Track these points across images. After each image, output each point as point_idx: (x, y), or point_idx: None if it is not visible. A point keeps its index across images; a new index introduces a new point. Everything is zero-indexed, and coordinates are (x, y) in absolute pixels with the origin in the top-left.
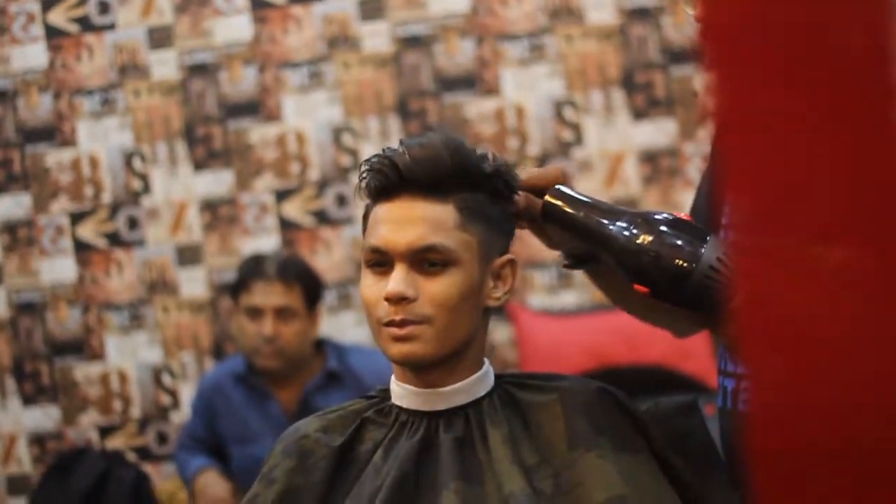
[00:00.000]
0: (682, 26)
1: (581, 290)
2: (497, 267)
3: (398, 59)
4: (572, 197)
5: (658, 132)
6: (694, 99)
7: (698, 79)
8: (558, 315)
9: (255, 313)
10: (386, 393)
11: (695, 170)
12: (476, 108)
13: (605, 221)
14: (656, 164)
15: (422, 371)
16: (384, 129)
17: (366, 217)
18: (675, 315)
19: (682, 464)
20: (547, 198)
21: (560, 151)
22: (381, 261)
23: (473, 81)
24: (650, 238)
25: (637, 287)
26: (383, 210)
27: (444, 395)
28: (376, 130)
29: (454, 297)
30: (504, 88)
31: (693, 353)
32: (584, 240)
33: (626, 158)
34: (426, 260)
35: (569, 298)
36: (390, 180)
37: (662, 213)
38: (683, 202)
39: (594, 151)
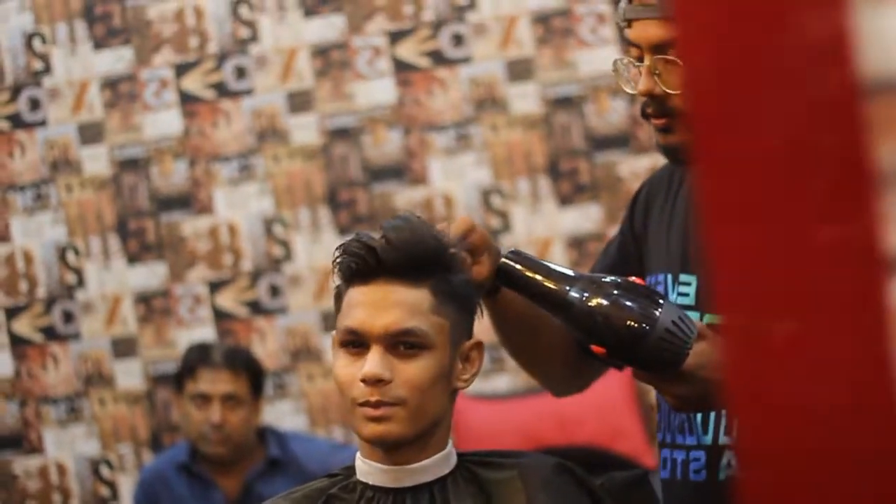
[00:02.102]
0: (604, 114)
1: (513, 374)
2: (465, 350)
3: (327, 150)
4: (530, 260)
5: (584, 218)
6: (618, 184)
7: (622, 165)
8: (491, 399)
9: (203, 400)
10: (349, 470)
11: None
12: (405, 197)
13: (563, 286)
14: (583, 248)
15: (391, 450)
16: (315, 220)
17: (338, 298)
18: (555, 371)
19: None
20: (504, 260)
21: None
22: (356, 342)
23: (402, 171)
24: (605, 301)
25: (594, 348)
26: (359, 293)
27: (410, 472)
28: (307, 221)
29: (427, 381)
30: (432, 178)
31: (625, 434)
32: (538, 302)
33: (554, 244)
34: (401, 343)
35: (501, 382)
36: (368, 265)
37: (615, 277)
38: None
39: (522, 238)
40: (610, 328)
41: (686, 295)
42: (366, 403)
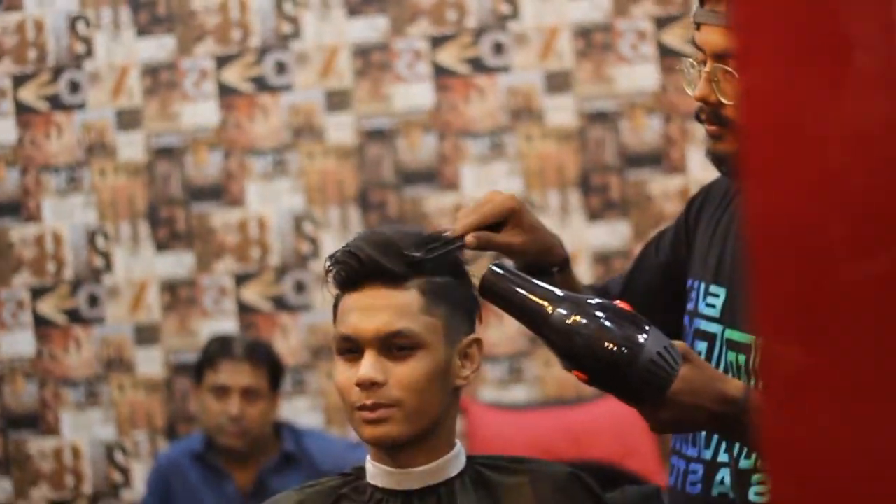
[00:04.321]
0: (639, 131)
1: (531, 386)
2: (463, 346)
3: (361, 150)
4: (511, 275)
5: (612, 234)
6: (647, 202)
7: (654, 184)
8: (508, 409)
9: (222, 392)
10: (360, 471)
11: None
12: (436, 202)
13: (543, 303)
14: (609, 264)
15: (394, 451)
16: (345, 219)
17: (336, 307)
18: None
19: None
20: (486, 274)
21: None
22: (351, 348)
23: (434, 176)
24: (591, 325)
25: (575, 373)
26: (351, 300)
27: (417, 474)
28: (337, 220)
29: (422, 380)
30: (464, 184)
31: (638, 452)
32: (520, 318)
33: (580, 259)
34: (394, 345)
35: (519, 393)
36: (354, 271)
37: (601, 299)
38: None
39: None
40: (592, 354)
41: (713, 306)
42: (363, 407)
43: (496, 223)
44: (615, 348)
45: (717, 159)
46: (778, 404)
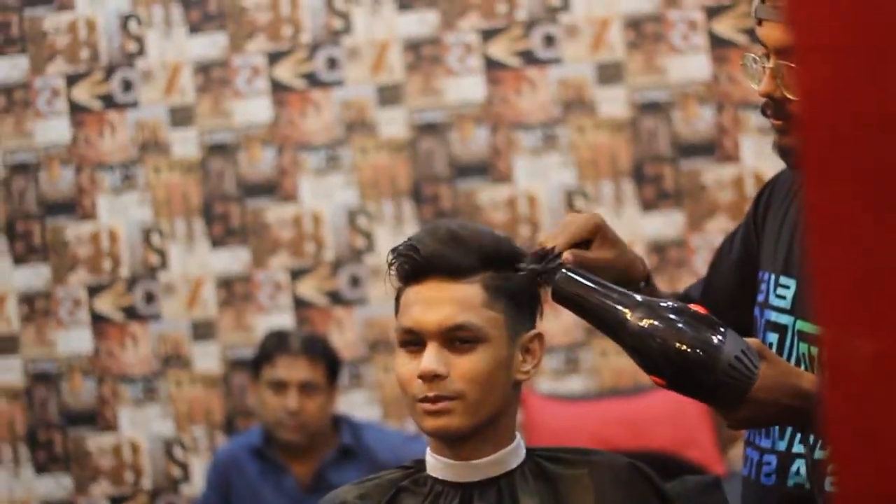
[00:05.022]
0: (691, 121)
1: (588, 376)
2: (525, 341)
3: (414, 144)
4: (585, 279)
5: (666, 224)
6: (701, 192)
7: (707, 173)
8: (565, 400)
9: (280, 387)
10: (421, 464)
11: (702, 262)
12: (489, 195)
13: (618, 307)
14: (664, 255)
15: (455, 444)
16: (398, 213)
17: (398, 300)
18: None
19: None
20: (559, 279)
21: None
22: (413, 340)
23: (487, 169)
24: (667, 330)
25: (654, 378)
26: (413, 292)
27: (478, 467)
28: (391, 214)
29: (484, 373)
30: (517, 177)
31: (696, 442)
32: (594, 322)
33: (635, 249)
34: (456, 338)
35: (575, 384)
36: (418, 264)
37: (676, 303)
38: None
39: None
40: (669, 359)
41: (783, 297)
42: (424, 399)
43: (585, 241)
44: (692, 352)
45: (783, 152)
46: (844, 394)
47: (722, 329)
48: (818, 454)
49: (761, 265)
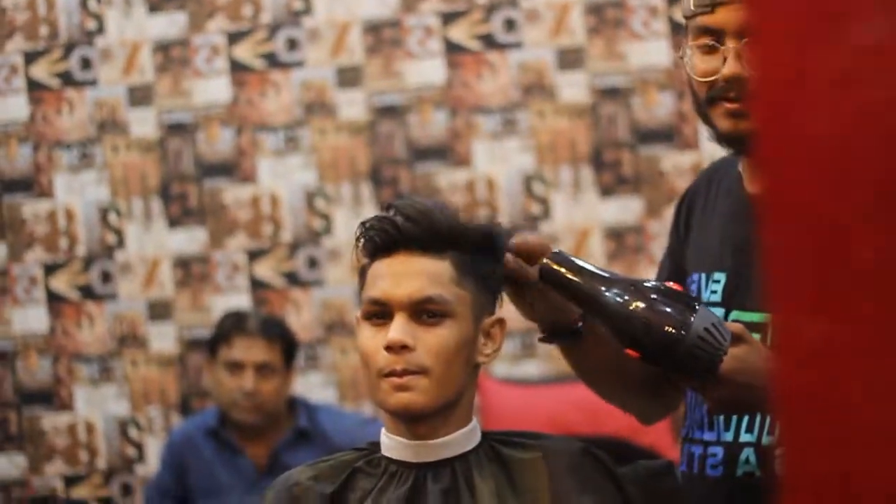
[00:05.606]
0: (651, 107)
1: (543, 361)
2: (487, 325)
3: (373, 127)
4: (571, 262)
5: (623, 210)
6: (660, 178)
7: (666, 160)
8: (521, 384)
9: (236, 367)
10: (375, 446)
11: (658, 248)
12: (448, 178)
13: (601, 288)
14: (622, 240)
15: (414, 423)
16: (357, 195)
17: (362, 274)
18: (641, 400)
19: None
20: (546, 261)
21: (528, 225)
22: (380, 312)
23: (446, 152)
24: (641, 305)
25: (628, 351)
26: (383, 265)
27: (433, 447)
28: (349, 196)
29: (451, 349)
30: (476, 161)
31: (651, 428)
32: (580, 304)
33: (593, 234)
34: (425, 311)
35: (531, 368)
36: (390, 237)
37: (654, 281)
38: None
39: (561, 226)
40: (644, 332)
41: (715, 292)
42: (391, 373)
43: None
44: (669, 329)
45: (735, 139)
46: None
47: (696, 306)
48: (766, 440)
49: (690, 270)
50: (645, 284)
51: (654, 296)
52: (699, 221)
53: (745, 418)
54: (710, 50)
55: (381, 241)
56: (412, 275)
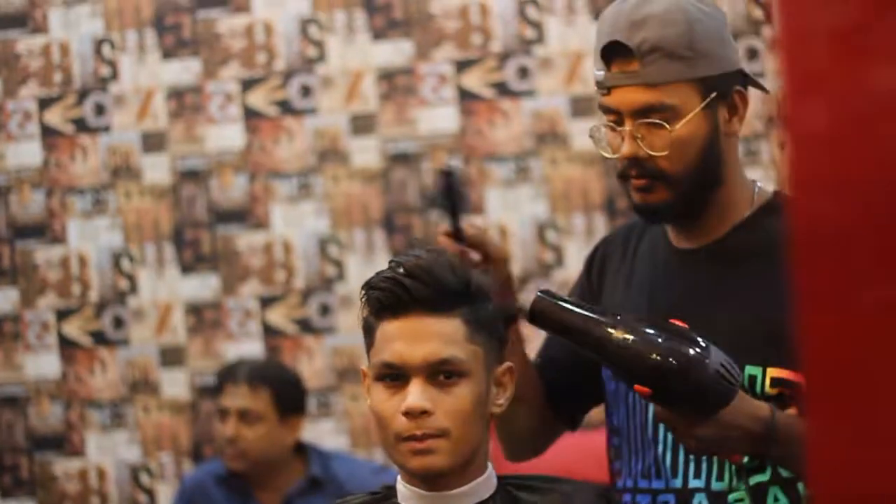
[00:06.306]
0: None
1: None
2: (499, 375)
3: (386, 174)
4: (560, 300)
5: None
6: None
7: None
8: None
9: (223, 415)
10: (390, 491)
11: None
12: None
13: (599, 325)
14: None
15: (432, 478)
16: (370, 242)
17: (367, 331)
18: (520, 435)
19: None
20: (535, 300)
21: (541, 272)
22: (394, 375)
23: None
24: (645, 340)
25: (638, 388)
26: (393, 327)
27: (451, 498)
28: (362, 243)
29: (468, 409)
30: (489, 208)
31: None
32: (574, 340)
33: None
34: (441, 372)
35: None
36: (400, 299)
37: (653, 317)
38: None
39: (575, 273)
40: (651, 368)
41: None
42: (410, 437)
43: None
44: (674, 364)
45: (647, 211)
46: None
47: (702, 342)
48: (716, 486)
49: None
50: (648, 321)
51: (660, 334)
52: (615, 280)
53: (692, 464)
54: (613, 129)
55: (390, 302)
56: (426, 337)
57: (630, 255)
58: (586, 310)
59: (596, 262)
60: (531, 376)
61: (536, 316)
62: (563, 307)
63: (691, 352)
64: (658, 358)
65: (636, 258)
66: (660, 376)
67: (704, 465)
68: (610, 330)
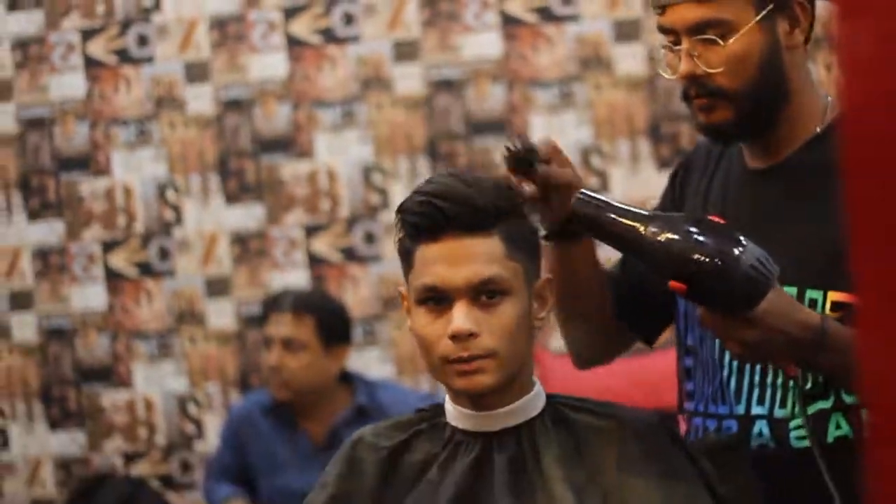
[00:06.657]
0: None
1: None
2: (539, 289)
3: (429, 101)
4: (603, 201)
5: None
6: None
7: None
8: None
9: (268, 343)
10: (438, 409)
11: None
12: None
13: (635, 223)
14: None
15: (480, 397)
16: (413, 170)
17: (405, 255)
18: (590, 337)
19: (732, 497)
20: (574, 202)
21: None
22: (436, 298)
23: (503, 126)
24: (679, 237)
25: (673, 285)
26: (432, 250)
27: (498, 416)
28: (406, 170)
29: (513, 326)
30: (533, 134)
31: None
32: (612, 241)
33: (651, 206)
34: (485, 292)
35: None
36: (436, 221)
37: (692, 214)
38: None
39: (620, 198)
40: (687, 263)
41: None
42: (458, 360)
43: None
44: (712, 259)
45: (711, 131)
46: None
47: (741, 238)
48: (778, 413)
49: None
50: (683, 217)
51: (693, 228)
52: (694, 197)
53: (756, 391)
54: (671, 49)
55: (428, 225)
56: (466, 258)
57: (711, 171)
58: (625, 210)
59: (679, 177)
60: (600, 280)
61: (577, 219)
62: (601, 208)
63: (724, 246)
64: (689, 253)
65: (715, 175)
66: (692, 271)
67: (769, 392)
68: (645, 228)
